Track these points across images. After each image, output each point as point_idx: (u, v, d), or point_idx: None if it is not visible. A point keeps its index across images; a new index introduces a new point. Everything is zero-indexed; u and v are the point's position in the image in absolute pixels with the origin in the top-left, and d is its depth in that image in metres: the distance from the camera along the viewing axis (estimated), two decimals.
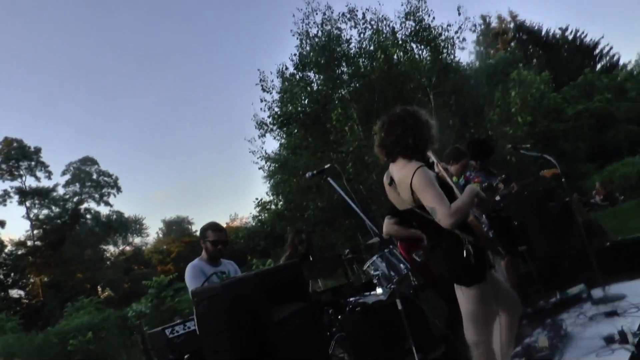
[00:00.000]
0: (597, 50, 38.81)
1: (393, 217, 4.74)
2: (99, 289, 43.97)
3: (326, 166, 4.72)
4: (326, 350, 3.26)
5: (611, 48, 38.49)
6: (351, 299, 5.34)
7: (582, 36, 38.85)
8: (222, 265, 4.72)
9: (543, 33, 40.02)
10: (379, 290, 5.10)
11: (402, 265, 4.69)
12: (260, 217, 21.83)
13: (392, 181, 2.84)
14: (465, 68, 15.96)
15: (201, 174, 75.69)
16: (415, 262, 4.77)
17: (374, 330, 4.73)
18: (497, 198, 5.62)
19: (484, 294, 2.85)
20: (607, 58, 38.80)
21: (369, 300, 5.16)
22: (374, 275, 4.92)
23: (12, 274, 44.37)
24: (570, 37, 39.23)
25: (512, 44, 40.42)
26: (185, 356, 3.80)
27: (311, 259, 6.03)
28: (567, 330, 4.28)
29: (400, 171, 2.83)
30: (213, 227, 4.81)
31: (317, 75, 16.88)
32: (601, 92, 28.02)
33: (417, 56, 15.24)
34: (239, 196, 66.19)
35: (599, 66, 37.98)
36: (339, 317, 5.26)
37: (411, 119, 2.87)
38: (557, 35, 39.59)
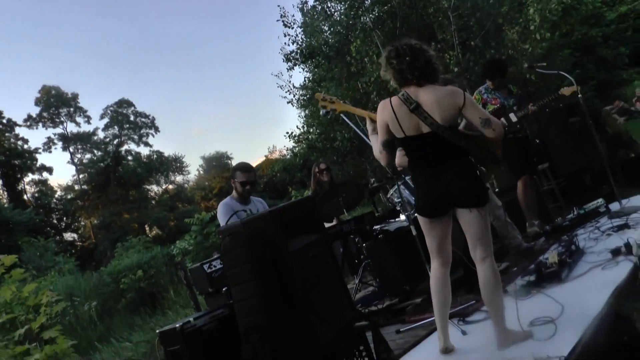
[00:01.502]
0: None
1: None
2: (147, 228, 45.48)
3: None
4: (340, 276, 3.51)
5: None
6: (376, 227, 5.55)
7: None
8: (251, 204, 4.97)
9: None
10: (402, 217, 5.31)
11: None
12: (295, 149, 22.09)
13: (417, 107, 2.94)
14: None
15: (236, 109, 76.26)
16: None
17: (397, 255, 4.95)
18: (514, 119, 5.67)
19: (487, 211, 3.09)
20: None
21: (392, 227, 5.37)
22: (397, 202, 5.11)
23: (65, 218, 46.33)
24: None
25: None
26: (224, 289, 4.10)
27: (335, 188, 6.14)
28: (578, 245, 4.41)
29: (438, 92, 2.97)
30: (242, 167, 5.02)
31: (338, 5, 16.57)
32: None
33: None
34: (276, 129, 66.68)
35: None
36: (364, 244, 5.48)
37: (429, 50, 3.08)
38: None
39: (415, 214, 3.88)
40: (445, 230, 3.14)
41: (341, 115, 4.52)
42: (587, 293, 3.39)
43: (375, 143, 3.26)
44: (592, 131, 6.00)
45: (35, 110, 46.05)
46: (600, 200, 5.70)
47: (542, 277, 3.87)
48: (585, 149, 6.47)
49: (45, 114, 46.32)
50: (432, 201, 3.06)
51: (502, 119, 5.59)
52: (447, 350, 3.19)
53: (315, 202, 3.80)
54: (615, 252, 3.89)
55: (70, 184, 47.87)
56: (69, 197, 46.75)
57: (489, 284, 3.00)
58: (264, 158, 47.26)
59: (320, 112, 4.48)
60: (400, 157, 4.25)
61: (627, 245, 3.82)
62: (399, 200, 4.92)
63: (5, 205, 35.45)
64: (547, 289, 3.71)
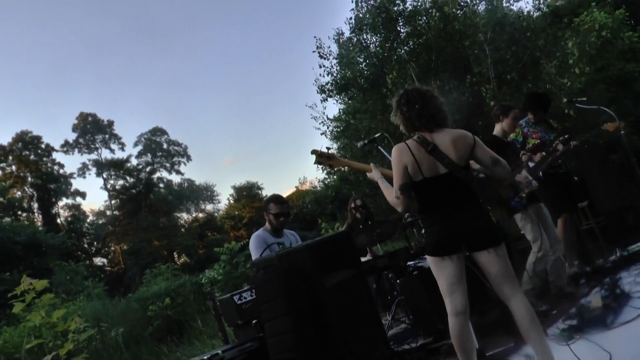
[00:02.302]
0: None
1: None
2: (175, 255, 45.77)
3: (377, 135, 4.82)
4: (376, 312, 3.42)
5: None
6: (410, 263, 5.45)
7: None
8: (284, 237, 4.91)
9: None
10: None
11: None
12: (326, 181, 22.12)
13: (434, 148, 2.96)
14: (524, 19, 15.32)
15: (268, 141, 76.82)
16: None
17: (431, 293, 4.82)
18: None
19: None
20: None
21: (426, 264, 5.24)
22: None
23: (95, 243, 46.97)
24: None
25: None
26: (253, 321, 4.03)
27: (370, 224, 6.14)
28: (623, 289, 4.23)
29: (451, 134, 3.04)
30: (275, 199, 4.98)
31: (373, 37, 16.66)
32: None
33: (472, 11, 14.83)
34: (307, 160, 66.93)
35: None
36: (398, 281, 5.37)
37: (439, 97, 3.17)
38: None
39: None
40: (458, 271, 3.03)
41: (379, 147, 4.48)
42: (637, 341, 3.23)
43: (387, 189, 3.23)
44: (635, 168, 5.81)
45: (72, 136, 47.31)
46: None
47: (586, 321, 3.71)
48: (627, 186, 6.28)
49: (81, 140, 47.47)
50: (442, 239, 3.00)
51: (543, 153, 5.46)
52: None
53: (352, 237, 3.73)
54: None
55: (102, 209, 48.75)
56: (100, 222, 47.49)
57: (525, 319, 2.89)
58: (295, 189, 47.48)
59: (358, 144, 4.42)
60: None
61: None
62: None
63: (40, 229, 36.09)
64: (591, 334, 3.54)
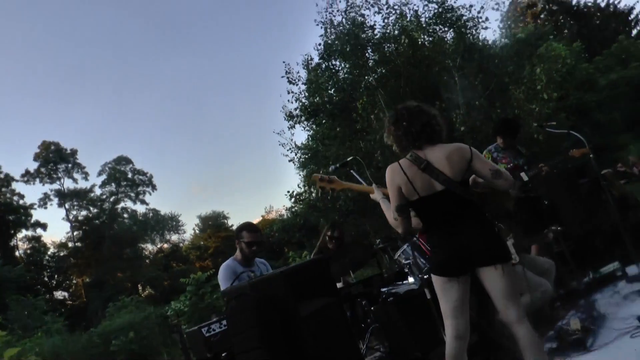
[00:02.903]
0: (633, 16, 37.37)
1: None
2: (140, 287, 44.80)
3: (349, 158, 4.74)
4: (354, 342, 3.29)
5: None
6: (383, 289, 5.35)
7: (616, 2, 37.47)
8: (255, 266, 4.77)
9: (574, 2, 38.88)
10: (410, 279, 5.11)
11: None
12: (293, 209, 21.97)
13: (427, 165, 2.88)
14: (491, 47, 15.70)
15: (234, 168, 76.24)
16: None
17: (407, 319, 4.73)
18: (525, 178, 5.56)
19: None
20: None
21: (401, 289, 5.16)
22: (405, 264, 4.92)
23: (56, 276, 45.60)
24: (602, 4, 37.95)
25: (542, 16, 39.47)
26: (223, 354, 3.85)
27: (342, 250, 6.03)
28: (600, 311, 4.22)
29: (445, 148, 2.94)
30: (248, 227, 4.86)
31: (342, 64, 16.81)
32: (638, 59, 27.05)
33: (440, 39, 15.11)
34: (274, 188, 66.74)
35: (634, 32, 36.60)
36: (372, 308, 5.26)
37: (430, 111, 3.09)
38: (589, 3, 38.37)
39: (427, 275, 3.69)
40: (463, 293, 2.95)
41: (351, 171, 4.41)
42: None
43: (388, 210, 3.15)
44: (605, 192, 5.88)
45: (33, 166, 46.14)
46: (616, 264, 5.52)
47: (566, 344, 3.66)
48: (595, 210, 6.35)
49: (43, 170, 46.34)
50: (450, 258, 2.91)
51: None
52: None
53: (328, 264, 3.61)
54: None
55: (64, 240, 47.38)
56: (62, 254, 46.16)
57: (533, 346, 2.79)
58: (261, 218, 47.13)
59: (330, 168, 4.34)
60: (414, 219, 4.11)
61: None
62: (407, 261, 4.74)
63: None
64: (572, 357, 3.50)
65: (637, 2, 36.89)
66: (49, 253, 46.29)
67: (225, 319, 4.21)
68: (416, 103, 3.14)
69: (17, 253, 43.69)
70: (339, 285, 6.03)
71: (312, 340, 2.85)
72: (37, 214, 48.36)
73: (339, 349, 3.02)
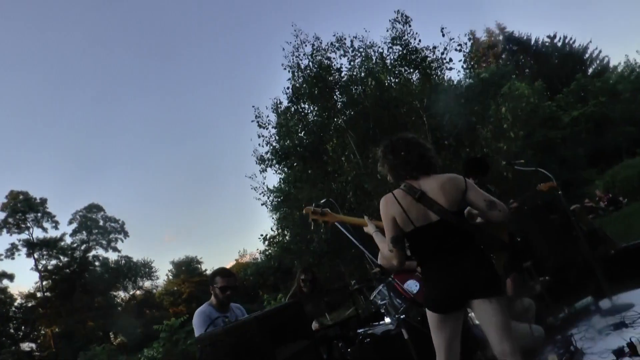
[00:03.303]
0: (587, 55, 39.03)
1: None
2: (112, 335, 43.67)
3: (322, 201, 4.76)
4: None
5: (600, 52, 38.79)
6: (360, 331, 5.31)
7: (571, 42, 39.14)
8: (230, 311, 4.72)
9: (532, 42, 40.34)
10: (387, 320, 5.08)
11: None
12: (267, 252, 21.86)
13: (422, 195, 2.88)
14: (456, 87, 16.07)
15: (207, 213, 75.60)
16: (408, 293, 4.73)
17: None
18: None
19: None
20: (598, 62, 39.06)
21: (378, 330, 5.12)
22: (381, 304, 4.90)
23: (23, 327, 44.16)
24: (559, 44, 39.49)
25: (503, 55, 40.76)
26: None
27: (317, 292, 6.01)
28: (576, 346, 4.24)
29: (439, 179, 2.95)
30: (222, 272, 4.84)
31: (311, 107, 17.00)
32: (595, 96, 28.07)
33: (407, 80, 15.40)
34: (247, 232, 66.26)
35: (590, 70, 38.09)
36: (349, 349, 5.20)
37: (425, 143, 3.13)
38: (547, 43, 39.88)
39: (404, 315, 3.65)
40: (457, 328, 2.94)
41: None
42: None
43: (382, 243, 3.12)
44: (575, 227, 5.97)
45: (0, 216, 45.11)
46: (589, 299, 5.58)
47: None
48: (567, 245, 6.43)
49: (10, 220, 45.30)
50: (446, 293, 2.88)
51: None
52: None
53: (302, 307, 3.56)
54: (619, 353, 3.73)
55: (32, 291, 46.03)
56: (29, 304, 44.80)
57: None
58: (235, 262, 46.65)
59: (303, 211, 4.32)
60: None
61: (631, 345, 3.66)
62: (383, 302, 4.71)
63: None
64: None
65: (590, 42, 38.38)
66: (15, 304, 44.92)
67: None
68: (412, 134, 3.17)
69: None
70: (314, 326, 5.97)
71: None
72: (4, 265, 47.09)
73: None
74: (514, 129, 13.15)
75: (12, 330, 43.39)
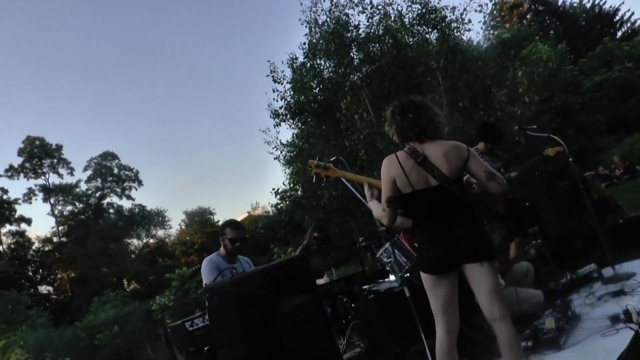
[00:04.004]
0: (617, 18, 37.39)
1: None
2: (125, 282, 44.63)
3: (332, 159, 4.83)
4: (332, 338, 3.36)
5: (632, 14, 37.14)
6: (365, 287, 5.43)
7: (601, 3, 37.52)
8: (238, 262, 4.85)
9: (560, 3, 39.05)
10: (391, 278, 5.20)
11: (411, 254, 4.77)
12: (279, 206, 22.06)
13: (424, 159, 2.92)
14: (475, 48, 15.80)
15: (220, 165, 76.18)
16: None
17: (387, 317, 4.81)
18: None
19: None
20: (628, 25, 37.14)
21: (382, 287, 5.23)
22: (387, 262, 5.01)
23: (40, 271, 45.30)
24: (588, 6, 38.06)
25: (528, 16, 39.66)
26: (205, 348, 3.92)
27: (325, 247, 6.12)
28: (574, 311, 4.32)
29: (444, 145, 2.98)
30: (232, 224, 4.96)
31: (327, 63, 16.85)
32: (622, 61, 27.19)
33: (424, 39, 15.16)
34: (259, 185, 66.69)
35: (619, 34, 36.64)
36: (353, 305, 5.34)
37: (434, 108, 3.13)
38: (575, 4, 38.49)
39: (408, 274, 3.73)
40: (452, 289, 3.00)
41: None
42: None
43: (376, 206, 3.19)
44: (583, 195, 5.98)
45: (17, 161, 45.73)
46: (592, 266, 5.63)
47: (540, 343, 3.76)
48: (574, 212, 6.45)
49: (27, 165, 45.93)
50: (439, 255, 2.95)
51: None
52: None
53: (308, 261, 3.67)
54: (614, 319, 3.80)
55: (48, 235, 47.04)
56: (46, 249, 45.85)
57: (513, 343, 2.85)
58: (247, 214, 47.12)
59: (313, 179, 4.38)
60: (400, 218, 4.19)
61: (627, 313, 3.73)
62: (389, 260, 4.82)
63: None
64: (545, 355, 3.60)
65: (622, 3, 36.83)
66: (33, 248, 46.01)
67: (207, 314, 4.27)
68: (422, 98, 3.18)
69: (0, 248, 43.35)
70: (322, 281, 6.12)
71: (291, 336, 2.92)
72: (22, 209, 47.93)
73: (317, 345, 3.09)
74: (529, 93, 12.94)
75: (30, 273, 44.54)
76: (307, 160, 17.00)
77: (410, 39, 15.16)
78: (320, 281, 6.01)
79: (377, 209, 3.14)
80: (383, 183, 3.07)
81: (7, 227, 44.73)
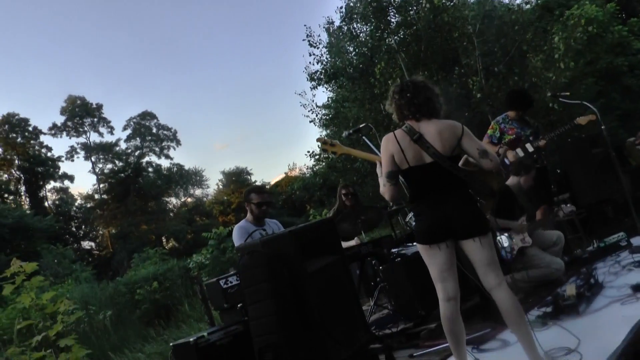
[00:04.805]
0: None
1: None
2: (163, 240, 45.74)
3: (361, 125, 4.94)
4: (356, 297, 3.52)
5: None
6: (393, 250, 5.56)
7: None
8: (266, 225, 5.04)
9: None
10: None
11: None
12: (314, 168, 22.20)
13: (420, 137, 3.03)
14: (512, 12, 15.31)
15: (257, 127, 76.69)
16: None
17: (413, 280, 4.94)
18: (530, 149, 5.67)
19: None
20: None
21: (409, 251, 5.36)
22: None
23: (83, 227, 46.83)
24: None
25: None
26: (239, 305, 4.12)
27: (356, 211, 6.25)
28: (597, 279, 4.35)
29: (439, 124, 3.09)
30: (256, 189, 5.16)
31: (364, 27, 16.67)
32: None
33: (461, 3, 14.81)
34: (296, 147, 66.96)
35: None
36: (381, 267, 5.48)
37: (434, 88, 3.21)
38: None
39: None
40: (448, 258, 3.10)
41: (363, 138, 4.58)
42: (606, 328, 3.35)
43: (381, 178, 3.30)
44: (615, 163, 5.93)
45: (60, 119, 46.90)
46: (621, 234, 5.60)
47: (559, 309, 3.82)
48: (607, 180, 6.41)
49: (69, 123, 47.07)
50: (431, 227, 3.06)
51: (519, 149, 5.60)
52: None
53: (335, 224, 3.82)
54: (636, 288, 3.83)
55: (90, 193, 48.44)
56: (88, 205, 47.25)
57: (511, 308, 2.96)
58: (284, 175, 47.45)
59: (344, 134, 4.49)
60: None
61: None
62: None
63: (27, 212, 35.94)
64: (564, 321, 3.65)
65: None
66: (76, 204, 47.52)
67: None
68: (422, 78, 3.28)
69: (46, 204, 44.91)
70: (352, 243, 6.27)
71: (317, 295, 3.07)
72: (65, 167, 49.32)
73: (341, 304, 3.25)
74: (565, 59, 12.57)
75: (73, 229, 46.07)
76: (342, 124, 17.06)
77: (448, 3, 14.84)
78: (350, 243, 6.16)
79: (381, 183, 3.26)
80: (383, 159, 3.19)
81: (52, 184, 46.36)
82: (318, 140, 4.06)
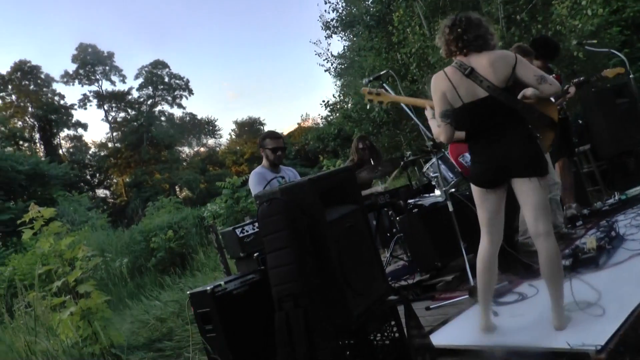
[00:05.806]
0: None
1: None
2: (177, 189, 46.17)
3: (382, 72, 4.81)
4: (375, 247, 3.48)
5: None
6: (410, 201, 5.51)
7: None
8: (282, 172, 5.01)
9: None
10: (437, 192, 5.26)
11: (457, 168, 4.78)
12: (329, 118, 22.01)
13: (472, 71, 2.91)
14: None
15: (271, 77, 76.04)
16: (463, 165, 4.81)
17: (430, 231, 4.91)
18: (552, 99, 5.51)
19: None
20: None
21: (426, 202, 5.31)
22: (433, 177, 5.05)
23: (98, 175, 47.32)
24: None
25: None
26: (255, 254, 4.12)
27: (373, 161, 6.19)
28: (618, 232, 4.29)
29: (490, 55, 2.95)
30: (270, 135, 5.10)
31: None
32: None
33: None
34: (311, 96, 66.50)
35: None
36: (398, 218, 5.45)
37: (488, 26, 3.06)
38: None
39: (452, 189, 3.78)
40: (499, 203, 3.05)
41: (384, 85, 4.46)
42: (626, 281, 3.30)
43: (434, 124, 3.21)
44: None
45: (72, 67, 46.75)
46: None
47: (579, 262, 3.78)
48: (630, 131, 6.25)
49: (81, 71, 46.97)
50: (489, 170, 2.98)
51: None
52: (488, 328, 3.16)
53: (354, 172, 3.76)
54: None
55: (104, 141, 48.81)
56: (102, 154, 47.65)
57: (553, 260, 2.88)
58: (297, 126, 47.32)
59: (364, 81, 4.39)
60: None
61: None
62: (435, 174, 4.85)
63: (42, 159, 36.25)
64: (583, 274, 3.60)
65: None
66: (90, 152, 47.90)
67: (257, 221, 4.46)
68: (478, 15, 3.12)
69: (60, 152, 45.27)
70: (368, 191, 6.24)
71: (335, 244, 3.04)
72: (78, 115, 49.59)
73: (360, 253, 3.22)
74: (593, 6, 12.09)
75: (88, 177, 46.59)
76: (358, 73, 16.74)
77: None
78: (366, 191, 6.10)
79: (434, 127, 3.16)
80: (434, 99, 3.07)
81: (66, 132, 46.62)
82: (363, 90, 3.95)
